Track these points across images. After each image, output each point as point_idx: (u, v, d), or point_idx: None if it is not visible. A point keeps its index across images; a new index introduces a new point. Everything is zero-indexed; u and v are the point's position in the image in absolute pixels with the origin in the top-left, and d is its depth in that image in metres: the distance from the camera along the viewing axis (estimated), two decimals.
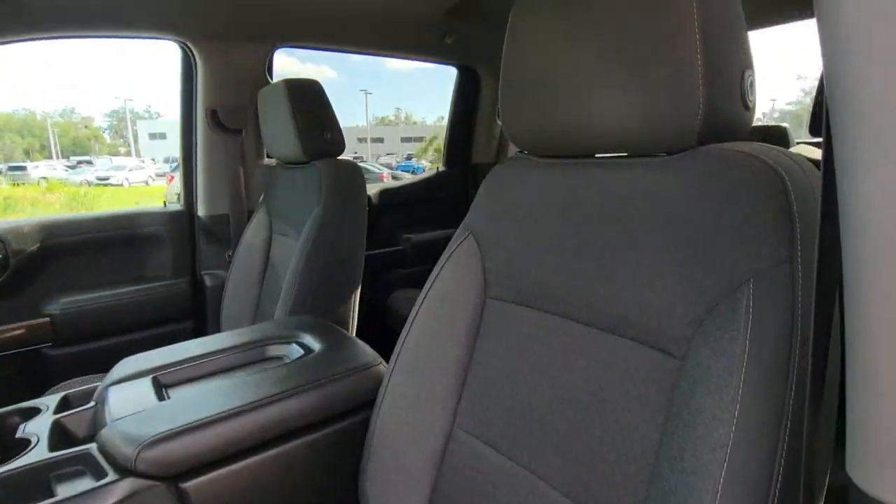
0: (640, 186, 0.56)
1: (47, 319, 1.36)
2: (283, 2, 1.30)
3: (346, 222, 1.22)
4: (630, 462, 0.52)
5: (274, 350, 0.96)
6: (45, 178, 19.48)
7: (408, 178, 2.47)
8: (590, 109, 0.58)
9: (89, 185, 18.44)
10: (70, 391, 0.87)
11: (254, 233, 1.47)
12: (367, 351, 0.91)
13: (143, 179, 21.16)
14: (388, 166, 21.93)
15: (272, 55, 1.59)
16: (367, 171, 13.99)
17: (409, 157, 30.22)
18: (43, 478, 0.67)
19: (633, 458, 0.52)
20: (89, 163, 24.96)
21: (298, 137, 1.23)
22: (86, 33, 1.29)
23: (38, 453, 0.69)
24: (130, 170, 21.57)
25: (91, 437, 0.75)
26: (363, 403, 0.83)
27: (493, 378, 0.69)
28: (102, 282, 1.48)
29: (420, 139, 38.42)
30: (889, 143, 0.23)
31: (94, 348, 1.43)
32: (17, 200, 13.40)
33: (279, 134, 1.31)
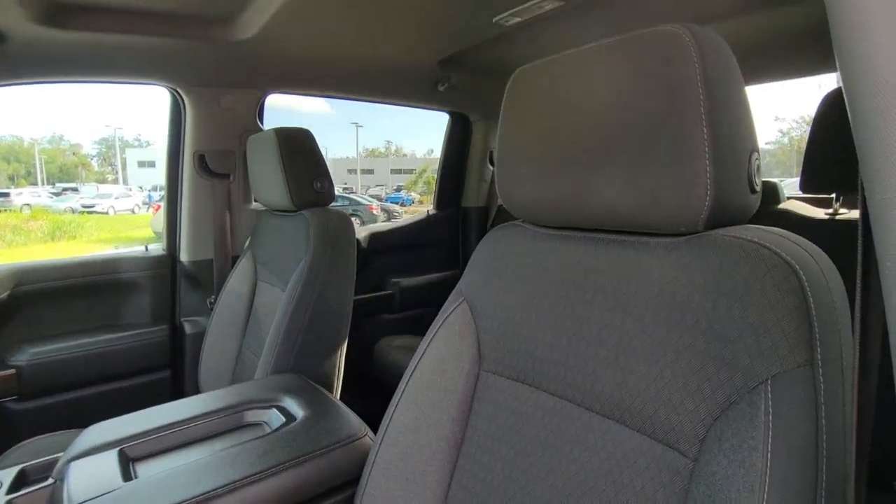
0: (646, 268, 0.53)
1: (13, 371, 1.28)
2: (273, 50, 1.29)
3: (333, 275, 1.18)
4: None
5: (252, 416, 0.91)
6: (28, 204, 19.21)
7: (397, 221, 2.44)
8: (591, 184, 0.56)
9: (74, 213, 18.20)
10: (28, 464, 0.80)
11: (238, 280, 1.42)
12: (352, 420, 0.86)
13: (130, 208, 20.97)
14: (378, 197, 22.04)
15: (263, 101, 1.58)
16: (357, 202, 14.06)
17: (398, 189, 30.45)
18: None
19: None
20: (75, 190, 24.70)
21: (287, 186, 1.21)
22: (74, 78, 1.27)
23: None
24: (117, 198, 21.38)
25: None
26: (346, 481, 0.77)
27: (486, 462, 0.65)
28: (75, 330, 1.41)
29: (409, 171, 38.83)
30: None
31: (64, 401, 1.35)
32: (2, 227, 13.14)
33: (268, 181, 1.28)
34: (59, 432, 1.20)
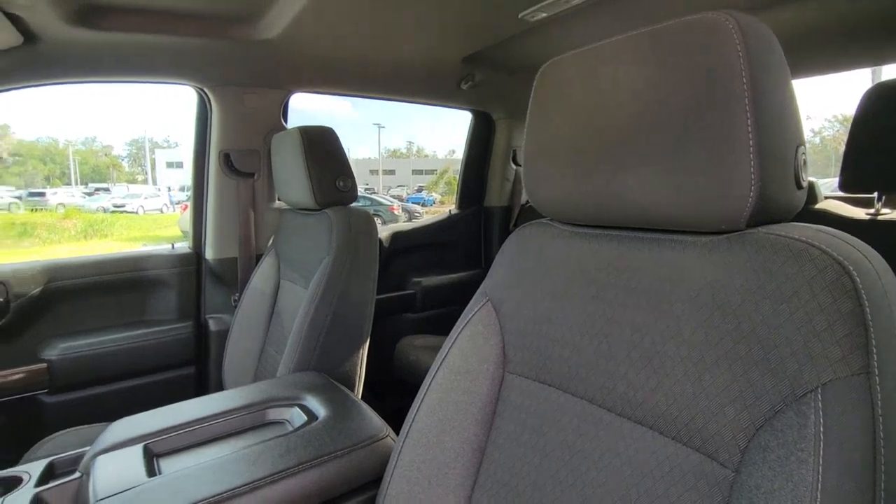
0: (683, 268, 0.51)
1: (44, 365, 1.31)
2: (299, 50, 1.30)
3: (356, 274, 1.18)
4: None
5: (275, 414, 0.90)
6: (62, 204, 19.85)
7: (419, 221, 2.44)
8: (624, 180, 0.53)
9: (105, 212, 18.75)
10: (56, 457, 0.81)
11: (262, 277, 1.43)
12: (374, 421, 0.85)
13: (158, 207, 21.49)
14: (399, 198, 22.14)
15: (287, 100, 1.59)
16: (379, 203, 14.13)
17: (419, 189, 30.54)
18: None
19: None
20: (106, 190, 25.46)
21: (311, 185, 1.21)
22: (104, 78, 1.29)
23: None
24: (146, 197, 21.94)
25: None
26: (368, 482, 0.76)
27: (511, 466, 0.63)
28: (104, 326, 1.44)
29: (431, 172, 38.91)
30: None
31: (92, 395, 1.38)
32: (35, 226, 13.61)
33: (292, 180, 1.28)
34: (87, 426, 1.23)
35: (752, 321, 0.44)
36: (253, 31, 1.20)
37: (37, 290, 1.32)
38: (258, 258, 1.52)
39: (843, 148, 1.08)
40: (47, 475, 0.77)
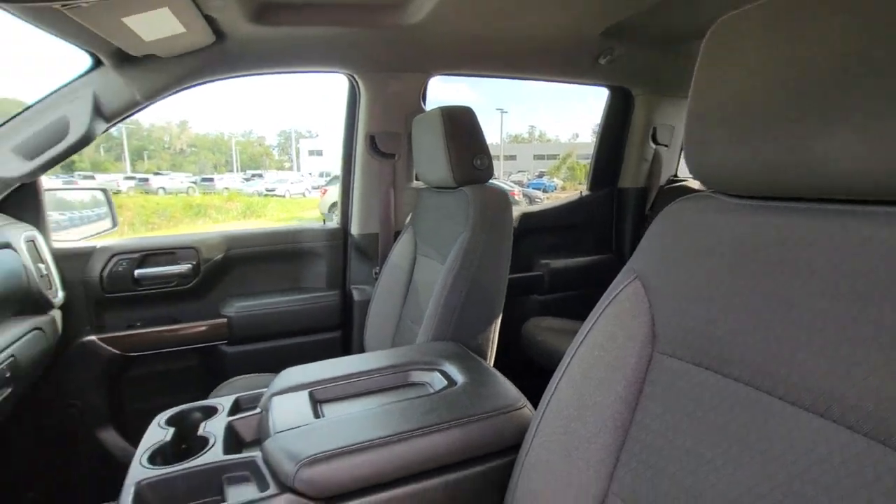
0: (882, 244, 0.44)
1: (225, 320, 1.54)
2: (439, 32, 1.34)
3: (491, 250, 1.20)
4: None
5: (417, 376, 0.97)
6: (227, 188, 22.92)
7: (549, 202, 2.40)
8: (813, 145, 0.47)
9: (259, 195, 21.26)
10: (241, 395, 0.96)
11: (399, 253, 1.52)
12: (511, 391, 0.87)
13: (301, 191, 23.82)
14: (520, 183, 21.94)
15: (427, 83, 1.65)
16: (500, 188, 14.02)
17: (540, 175, 29.94)
18: (216, 478, 0.73)
19: None
20: (260, 176, 28.81)
21: (449, 163, 1.25)
22: (273, 70, 1.46)
23: (215, 454, 0.76)
24: (292, 182, 24.42)
25: (257, 442, 0.81)
26: (506, 448, 0.79)
27: (661, 447, 0.60)
28: (269, 290, 1.64)
29: (552, 157, 37.92)
30: None
31: (260, 349, 1.60)
32: (207, 207, 15.91)
33: (431, 159, 1.34)
34: (255, 374, 1.43)
35: None
36: (400, 17, 1.27)
37: (219, 256, 1.55)
38: (397, 235, 1.62)
39: None
40: (235, 408, 0.92)
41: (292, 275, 1.69)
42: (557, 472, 0.68)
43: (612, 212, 2.19)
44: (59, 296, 1.33)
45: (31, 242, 1.29)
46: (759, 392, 0.52)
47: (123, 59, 1.22)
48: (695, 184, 2.13)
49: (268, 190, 22.72)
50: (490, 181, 1.32)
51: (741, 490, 0.51)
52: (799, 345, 0.49)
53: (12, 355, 1.10)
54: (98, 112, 1.23)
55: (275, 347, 1.61)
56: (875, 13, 0.42)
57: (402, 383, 0.96)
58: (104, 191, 1.70)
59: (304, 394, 0.88)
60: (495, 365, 1.30)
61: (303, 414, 0.82)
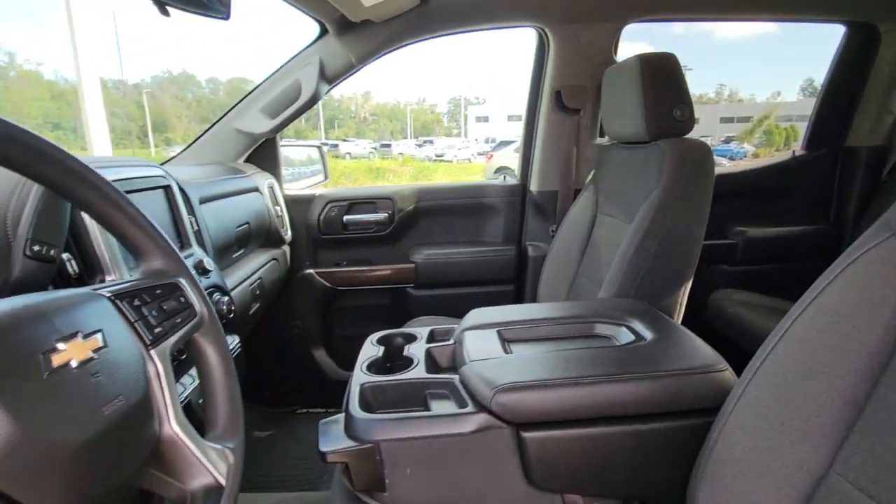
0: None
1: (413, 265, 1.71)
2: None
3: (686, 209, 1.12)
4: None
5: (602, 329, 0.96)
6: (401, 153, 24.71)
7: (750, 163, 2.12)
8: None
9: (429, 161, 22.53)
10: (434, 327, 1.06)
11: (579, 211, 1.50)
12: (708, 351, 0.81)
13: (467, 157, 24.56)
14: None
15: (620, 33, 1.56)
16: None
17: (727, 140, 26.25)
18: (420, 392, 0.83)
19: None
20: (431, 142, 30.40)
21: (644, 115, 1.18)
22: (468, 27, 1.52)
23: (419, 371, 0.87)
24: (459, 148, 25.30)
25: (451, 369, 0.90)
26: (701, 409, 0.75)
27: None
28: (451, 240, 1.76)
29: (744, 119, 32.80)
30: None
31: (440, 294, 1.74)
32: (384, 171, 17.43)
33: (622, 112, 1.28)
34: (435, 316, 1.56)
35: None
36: None
37: (411, 207, 1.70)
38: (576, 193, 1.59)
39: None
40: (431, 338, 1.02)
41: (473, 228, 1.78)
42: (766, 441, 0.63)
43: (834, 175, 1.84)
44: (288, 234, 1.61)
45: (271, 188, 1.57)
46: None
47: (344, 26, 1.38)
48: None
49: (437, 155, 23.91)
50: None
51: None
52: None
53: (260, 278, 1.37)
54: (323, 75, 1.43)
55: (454, 294, 1.73)
56: None
57: (586, 334, 0.96)
58: (319, 147, 1.97)
59: (493, 332, 0.95)
60: None
61: (493, 349, 0.88)
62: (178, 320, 0.52)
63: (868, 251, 0.61)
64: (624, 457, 0.76)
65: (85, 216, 0.71)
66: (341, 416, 0.80)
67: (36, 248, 0.59)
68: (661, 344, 0.85)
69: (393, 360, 0.98)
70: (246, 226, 1.35)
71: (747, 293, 1.71)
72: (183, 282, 0.55)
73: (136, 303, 0.48)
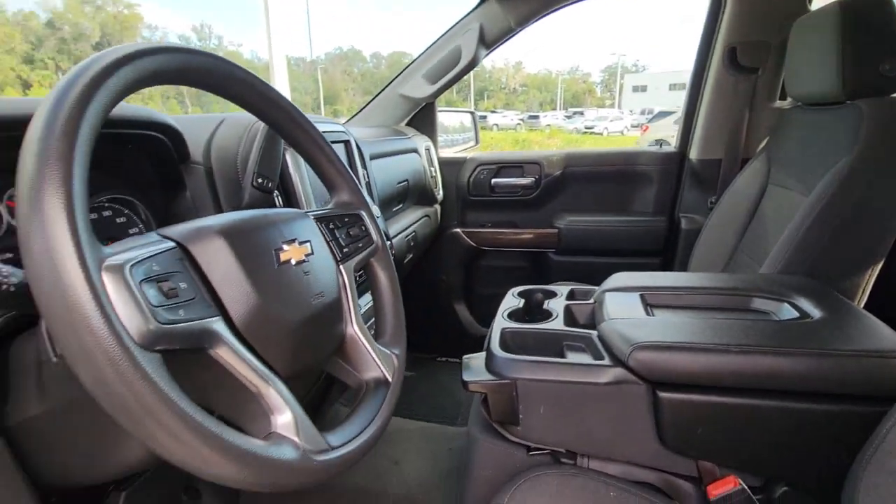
0: None
1: (555, 230, 1.72)
2: None
3: (884, 179, 0.96)
4: None
5: (760, 304, 0.90)
6: (549, 125, 24.10)
7: None
8: None
9: (578, 133, 21.64)
10: (574, 287, 1.08)
11: (746, 181, 1.36)
12: (889, 335, 0.72)
13: (620, 130, 23.05)
14: None
15: None
16: None
17: None
18: (558, 343, 0.87)
19: None
20: (581, 113, 29.10)
21: (841, 69, 1.02)
22: None
23: (557, 324, 0.91)
24: (611, 120, 23.84)
25: (589, 326, 0.92)
26: (873, 396, 0.67)
27: None
28: (596, 208, 1.73)
29: None
30: None
31: (581, 262, 1.73)
32: (530, 143, 17.23)
33: (812, 68, 1.12)
34: (575, 283, 1.56)
35: None
36: None
37: (558, 172, 1.71)
38: (744, 162, 1.45)
39: None
40: (570, 296, 1.05)
41: (621, 196, 1.73)
42: None
43: None
44: (440, 193, 1.73)
45: (428, 150, 1.69)
46: None
47: None
48: None
49: (587, 128, 22.85)
50: None
51: None
52: None
53: (414, 231, 1.50)
54: (482, 40, 1.48)
55: (595, 262, 1.71)
56: None
57: (740, 307, 0.91)
58: (472, 113, 2.06)
59: (636, 295, 0.94)
60: None
61: (635, 311, 0.88)
62: (360, 245, 0.63)
63: None
64: (772, 433, 0.72)
65: (289, 163, 0.87)
66: (482, 354, 0.88)
67: (259, 180, 0.75)
68: (831, 323, 0.77)
69: (532, 313, 1.04)
70: (405, 183, 1.49)
71: None
72: (364, 214, 0.66)
73: (331, 226, 0.60)
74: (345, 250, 0.60)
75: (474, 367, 0.86)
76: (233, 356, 0.39)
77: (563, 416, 0.79)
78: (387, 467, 1.33)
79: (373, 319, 0.69)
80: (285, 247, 0.49)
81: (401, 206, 1.53)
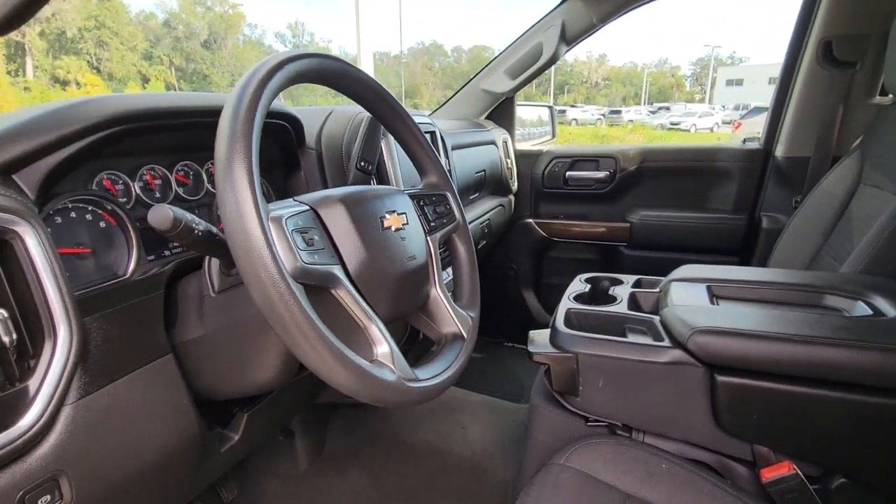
0: None
1: (628, 225, 1.74)
2: None
3: None
4: None
5: (833, 301, 0.90)
6: (632, 120, 23.14)
7: None
8: None
9: (662, 129, 20.61)
10: (642, 277, 1.12)
11: (835, 180, 1.32)
12: None
13: (710, 126, 21.64)
14: None
15: None
16: None
17: None
18: (620, 325, 0.93)
19: None
20: (667, 108, 27.64)
21: None
22: None
23: (620, 308, 0.96)
24: (700, 116, 22.44)
25: (653, 312, 0.97)
26: None
27: None
28: (671, 203, 1.73)
29: None
30: None
31: (654, 257, 1.74)
32: (610, 138, 16.69)
33: None
34: (646, 276, 1.57)
35: None
36: None
37: (633, 167, 1.72)
38: (835, 160, 1.39)
39: None
40: (637, 284, 1.09)
41: (698, 192, 1.70)
42: None
43: None
44: (515, 184, 1.81)
45: (505, 143, 1.77)
46: None
47: None
48: None
49: (672, 123, 21.69)
50: None
51: None
52: None
53: (489, 219, 1.59)
54: (563, 37, 1.53)
55: (668, 259, 1.71)
56: None
57: (811, 303, 0.91)
58: (550, 107, 2.10)
59: (702, 286, 0.97)
60: None
61: (700, 299, 0.91)
62: (444, 220, 0.73)
63: None
64: (831, 424, 0.74)
65: (383, 149, 0.99)
66: (547, 330, 0.95)
67: (362, 163, 0.88)
68: None
69: (598, 298, 1.09)
70: (482, 173, 1.58)
71: None
72: (448, 195, 0.76)
73: (421, 203, 0.70)
74: (432, 224, 0.70)
75: (539, 341, 0.93)
76: (348, 296, 0.51)
77: (620, 391, 0.85)
78: (454, 430, 1.44)
79: (453, 287, 0.79)
80: (387, 216, 0.60)
81: (477, 194, 1.62)
